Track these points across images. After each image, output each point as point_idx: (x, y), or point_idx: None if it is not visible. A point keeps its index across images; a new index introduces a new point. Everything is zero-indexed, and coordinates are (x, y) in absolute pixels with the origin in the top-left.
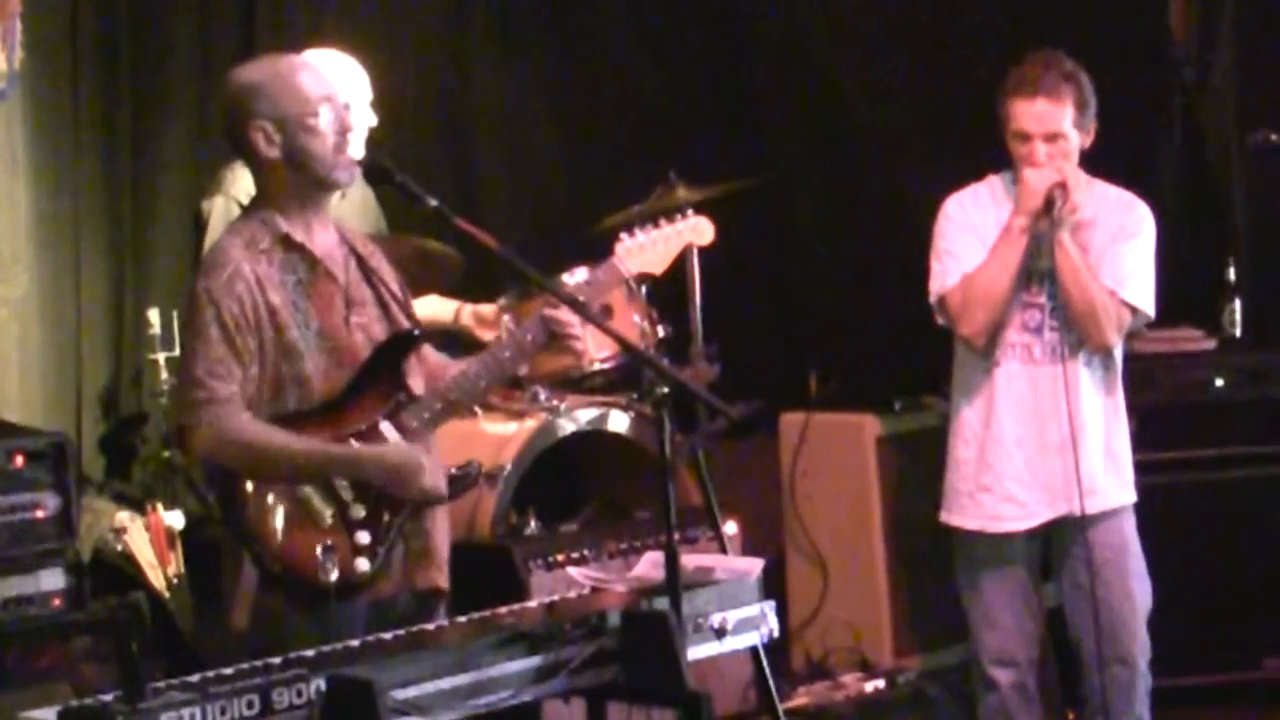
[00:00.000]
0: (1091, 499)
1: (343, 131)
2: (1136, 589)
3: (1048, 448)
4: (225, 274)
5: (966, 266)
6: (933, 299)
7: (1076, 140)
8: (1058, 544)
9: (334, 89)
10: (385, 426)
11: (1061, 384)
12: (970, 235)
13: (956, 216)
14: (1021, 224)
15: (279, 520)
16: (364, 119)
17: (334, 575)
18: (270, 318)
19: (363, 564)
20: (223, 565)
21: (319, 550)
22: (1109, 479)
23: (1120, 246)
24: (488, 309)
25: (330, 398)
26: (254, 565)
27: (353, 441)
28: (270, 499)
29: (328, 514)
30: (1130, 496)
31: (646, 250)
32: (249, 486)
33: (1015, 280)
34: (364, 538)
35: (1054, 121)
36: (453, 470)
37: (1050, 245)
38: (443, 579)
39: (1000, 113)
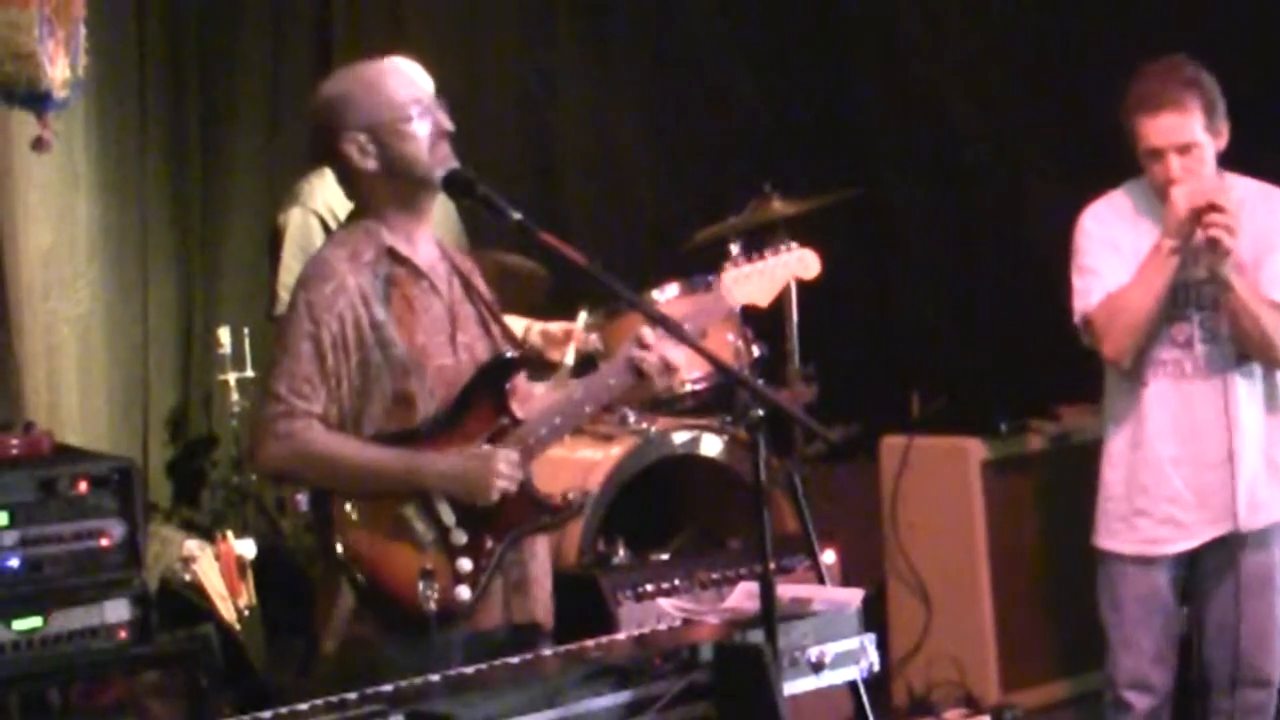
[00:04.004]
0: (1254, 514)
1: (439, 130)
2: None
3: (1207, 465)
4: (329, 288)
5: (1109, 284)
6: (1076, 319)
7: (1210, 146)
8: (1201, 564)
9: (422, 90)
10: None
11: (1217, 398)
12: (1110, 251)
13: (1095, 231)
14: (1172, 245)
15: (379, 544)
16: None
17: (434, 603)
18: (375, 333)
19: (464, 592)
20: (315, 592)
21: (419, 577)
22: (1272, 491)
23: (1276, 255)
24: (556, 327)
25: (433, 419)
26: (351, 589)
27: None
28: (370, 522)
29: (429, 539)
30: None
31: (753, 280)
32: (348, 508)
33: (1160, 302)
34: (465, 565)
35: (1184, 132)
36: (559, 497)
37: (1196, 257)
38: (542, 613)
39: (1127, 132)
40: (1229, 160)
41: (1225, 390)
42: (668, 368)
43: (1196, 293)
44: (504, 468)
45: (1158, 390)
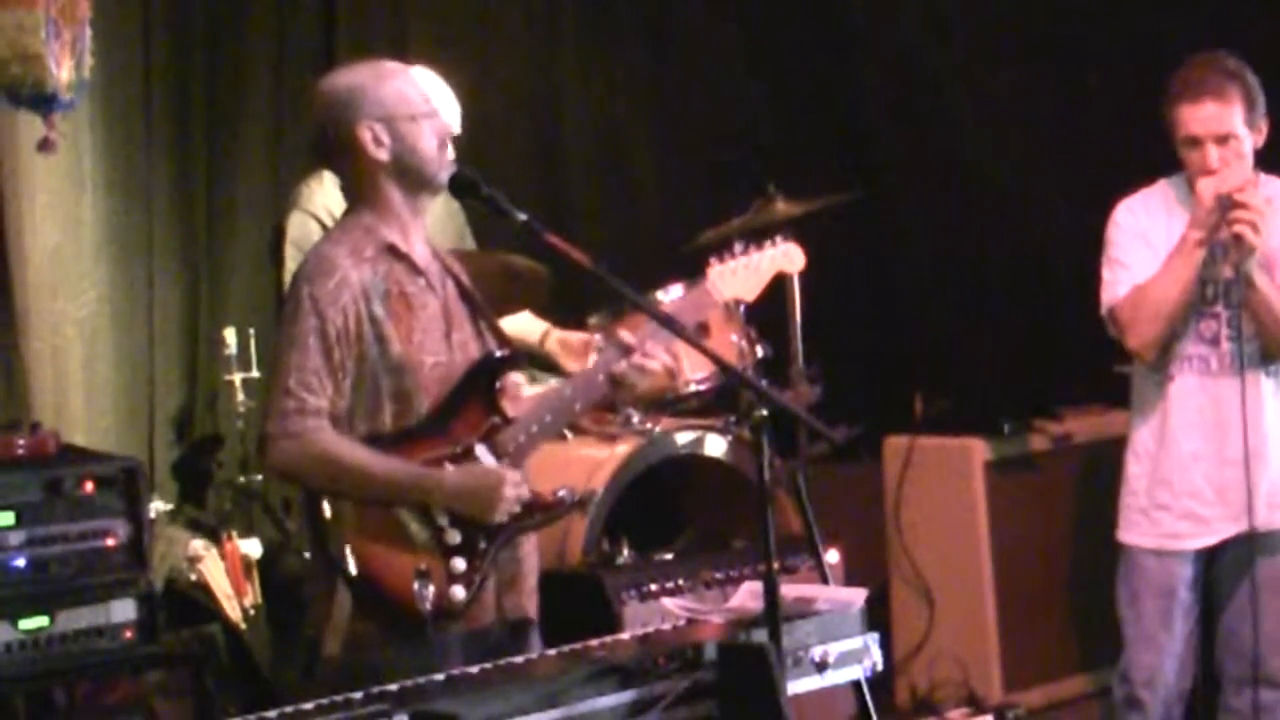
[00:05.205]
0: (1274, 513)
1: (445, 133)
2: None
3: (1228, 462)
4: (332, 282)
5: (1137, 277)
6: (1103, 310)
7: (1249, 140)
8: (1219, 561)
9: (431, 95)
10: (480, 449)
11: (1241, 396)
12: (1140, 244)
13: (1126, 224)
14: (1197, 236)
15: (373, 545)
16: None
17: (430, 604)
18: (374, 330)
19: (459, 592)
20: (310, 593)
21: (415, 578)
22: None
23: None
24: (576, 337)
25: (426, 417)
26: (348, 590)
27: (447, 465)
28: (365, 522)
29: (423, 539)
30: None
31: (739, 275)
32: (342, 509)
33: (1186, 293)
34: (459, 564)
35: (1223, 123)
36: (552, 494)
37: (1228, 256)
38: (532, 607)
39: (1168, 121)
40: (1268, 162)
41: (1250, 388)
42: (652, 370)
43: (1225, 289)
44: (510, 491)
45: (1183, 385)
